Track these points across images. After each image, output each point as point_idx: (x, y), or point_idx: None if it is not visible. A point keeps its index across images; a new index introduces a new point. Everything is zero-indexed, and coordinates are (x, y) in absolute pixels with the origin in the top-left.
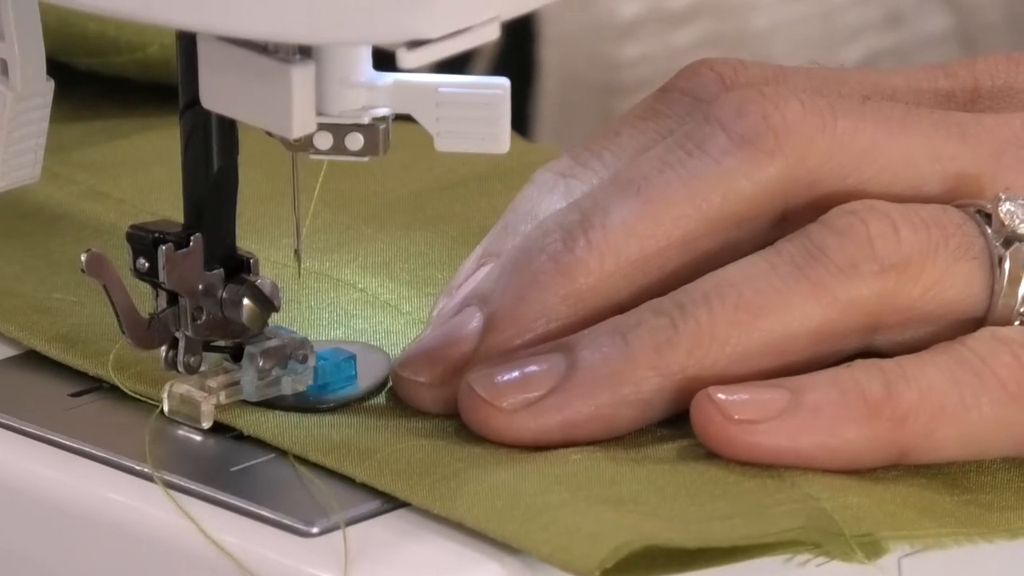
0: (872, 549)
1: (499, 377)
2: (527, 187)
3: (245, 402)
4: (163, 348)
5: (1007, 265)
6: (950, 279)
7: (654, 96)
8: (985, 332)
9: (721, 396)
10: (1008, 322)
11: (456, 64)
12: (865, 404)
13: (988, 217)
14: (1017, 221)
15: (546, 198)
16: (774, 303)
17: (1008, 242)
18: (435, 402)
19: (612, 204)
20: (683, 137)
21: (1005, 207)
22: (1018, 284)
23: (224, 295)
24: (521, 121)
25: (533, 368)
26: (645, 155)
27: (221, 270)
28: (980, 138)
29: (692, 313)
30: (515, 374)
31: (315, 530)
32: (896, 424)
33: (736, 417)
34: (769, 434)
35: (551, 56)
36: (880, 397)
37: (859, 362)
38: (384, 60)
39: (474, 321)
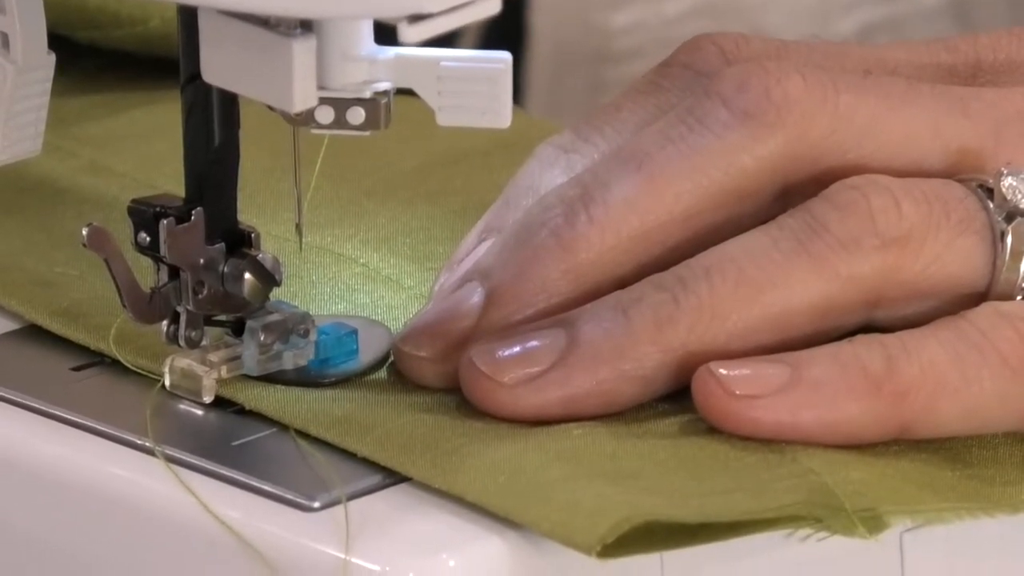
0: (874, 524)
1: (500, 352)
2: (528, 161)
3: (246, 376)
4: (164, 322)
5: (1009, 240)
6: (952, 254)
7: (655, 70)
8: (987, 307)
9: (722, 371)
10: (1010, 297)
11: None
12: (866, 379)
13: (990, 192)
14: (1019, 196)
15: (547, 172)
16: (775, 278)
17: (1010, 217)
18: (436, 377)
19: (613, 179)
20: (684, 112)
21: (1007, 182)
22: (1020, 259)
23: (225, 269)
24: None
25: (534, 343)
26: (646, 130)
27: (222, 244)
28: (982, 113)
29: (693, 288)
30: (516, 349)
31: (316, 504)
32: (897, 399)
33: (737, 392)
34: (770, 409)
35: (542, 23)
36: (881, 372)
37: (860, 337)
38: (385, 34)
39: (475, 296)
